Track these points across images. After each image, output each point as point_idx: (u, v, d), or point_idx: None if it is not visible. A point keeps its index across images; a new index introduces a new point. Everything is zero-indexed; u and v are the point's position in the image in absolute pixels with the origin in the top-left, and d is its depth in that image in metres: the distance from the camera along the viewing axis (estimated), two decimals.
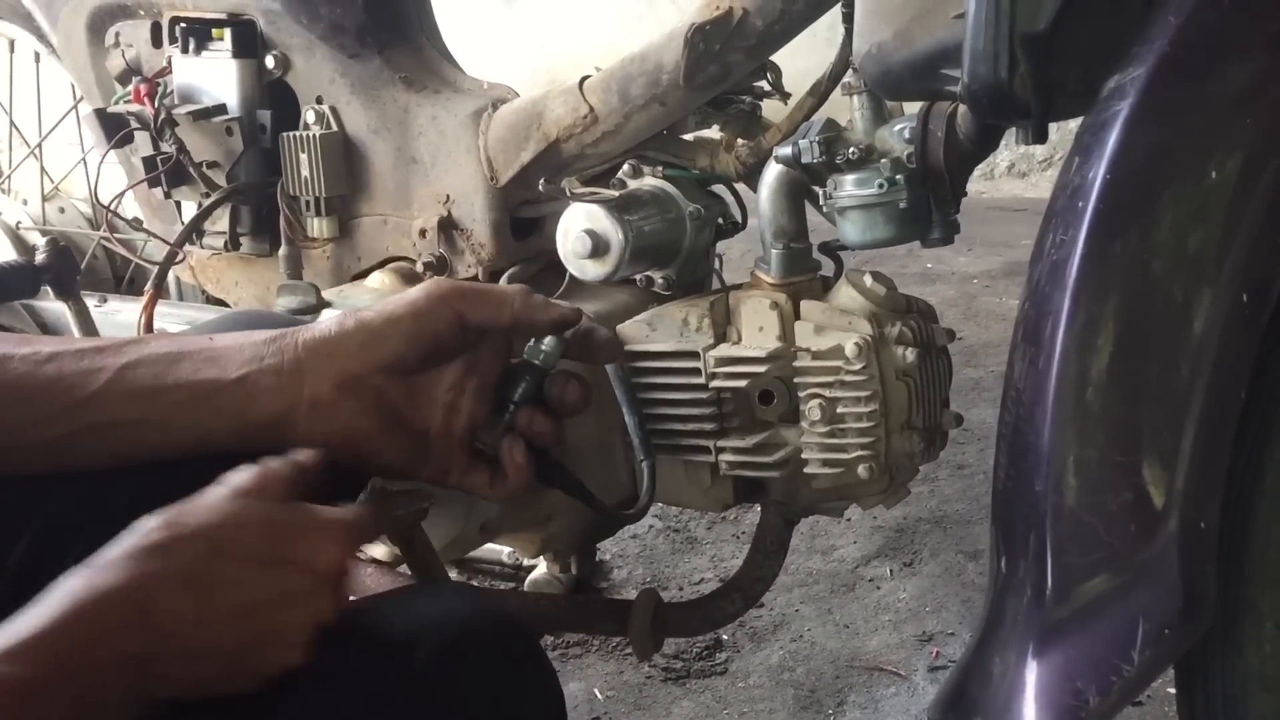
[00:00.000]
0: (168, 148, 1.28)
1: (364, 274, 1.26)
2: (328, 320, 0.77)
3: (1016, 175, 4.89)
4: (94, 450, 0.70)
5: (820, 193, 0.98)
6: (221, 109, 1.25)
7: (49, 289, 1.40)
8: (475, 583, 1.70)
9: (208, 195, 1.28)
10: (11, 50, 1.76)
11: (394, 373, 0.76)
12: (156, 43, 1.32)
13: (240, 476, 0.64)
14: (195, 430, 0.71)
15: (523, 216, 1.20)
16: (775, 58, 1.11)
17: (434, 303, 0.75)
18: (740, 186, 1.17)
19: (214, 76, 1.26)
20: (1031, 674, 0.69)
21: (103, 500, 0.67)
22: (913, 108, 0.95)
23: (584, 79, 1.11)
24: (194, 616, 0.58)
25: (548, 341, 0.81)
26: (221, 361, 0.72)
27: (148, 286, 1.27)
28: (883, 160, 0.94)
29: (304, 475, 0.67)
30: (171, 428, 0.71)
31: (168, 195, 1.33)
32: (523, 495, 0.85)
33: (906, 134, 0.93)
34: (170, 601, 0.58)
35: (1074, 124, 0.74)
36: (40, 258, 1.38)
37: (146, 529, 0.59)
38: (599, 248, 1.03)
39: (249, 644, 0.60)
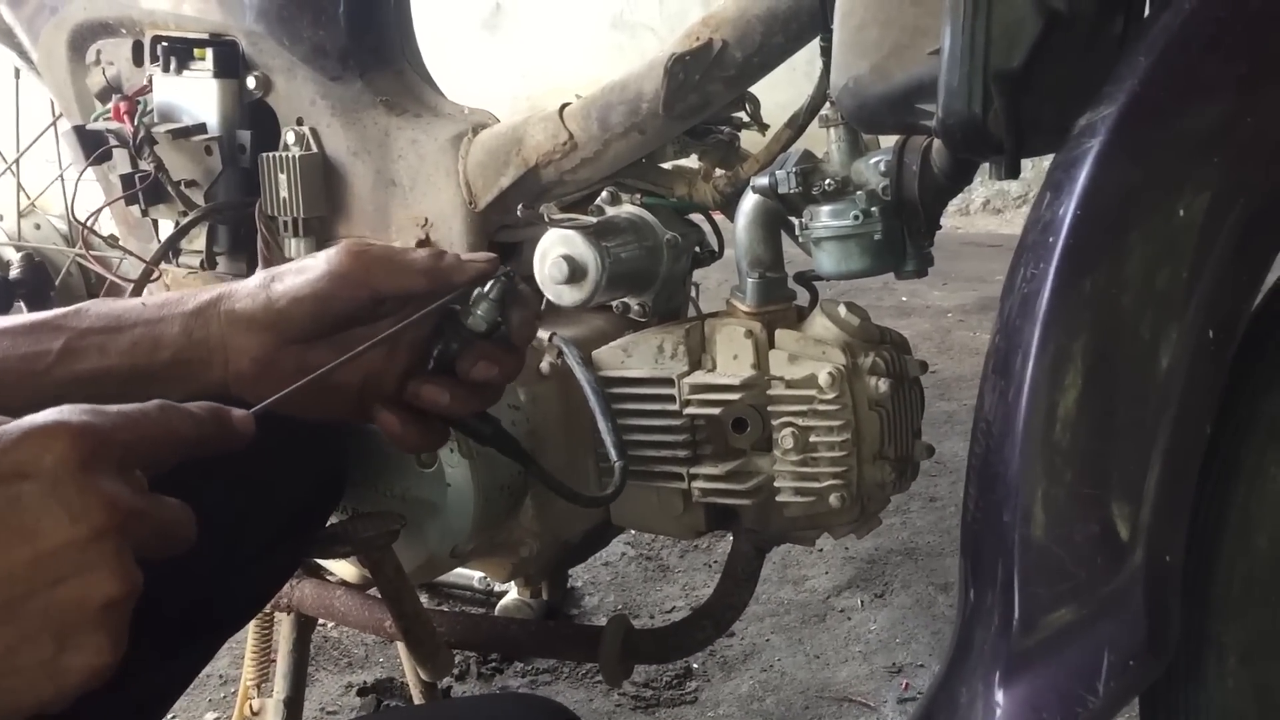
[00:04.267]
0: (146, 165, 1.27)
1: None
2: (248, 286, 0.76)
3: (991, 211, 4.94)
4: None
5: (796, 223, 0.99)
6: (201, 128, 1.25)
7: (22, 304, 1.40)
8: (445, 608, 1.70)
9: (185, 214, 1.27)
10: None
11: (312, 340, 0.75)
12: (138, 61, 1.32)
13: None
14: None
15: (500, 241, 1.20)
16: (754, 90, 1.12)
17: (337, 284, 0.74)
18: (717, 216, 1.18)
19: (194, 96, 1.26)
20: (998, 704, 0.69)
21: None
22: (889, 141, 0.96)
23: (564, 106, 1.11)
24: None
25: (483, 306, 0.78)
26: (155, 335, 0.73)
27: None
28: (858, 192, 0.95)
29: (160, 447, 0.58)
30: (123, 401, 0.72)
31: (145, 213, 1.32)
32: (430, 447, 0.82)
33: (882, 166, 0.94)
34: None
35: (1048, 161, 0.75)
36: (14, 272, 1.37)
37: None
38: (576, 273, 1.04)
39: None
